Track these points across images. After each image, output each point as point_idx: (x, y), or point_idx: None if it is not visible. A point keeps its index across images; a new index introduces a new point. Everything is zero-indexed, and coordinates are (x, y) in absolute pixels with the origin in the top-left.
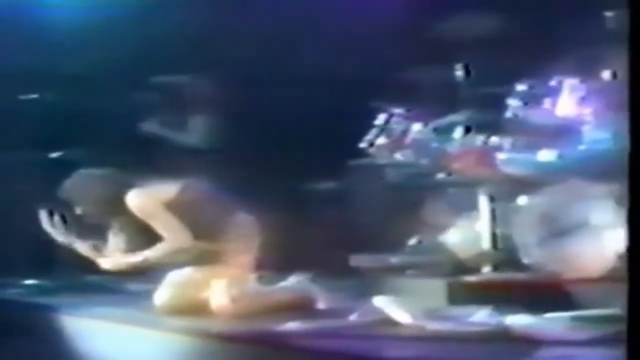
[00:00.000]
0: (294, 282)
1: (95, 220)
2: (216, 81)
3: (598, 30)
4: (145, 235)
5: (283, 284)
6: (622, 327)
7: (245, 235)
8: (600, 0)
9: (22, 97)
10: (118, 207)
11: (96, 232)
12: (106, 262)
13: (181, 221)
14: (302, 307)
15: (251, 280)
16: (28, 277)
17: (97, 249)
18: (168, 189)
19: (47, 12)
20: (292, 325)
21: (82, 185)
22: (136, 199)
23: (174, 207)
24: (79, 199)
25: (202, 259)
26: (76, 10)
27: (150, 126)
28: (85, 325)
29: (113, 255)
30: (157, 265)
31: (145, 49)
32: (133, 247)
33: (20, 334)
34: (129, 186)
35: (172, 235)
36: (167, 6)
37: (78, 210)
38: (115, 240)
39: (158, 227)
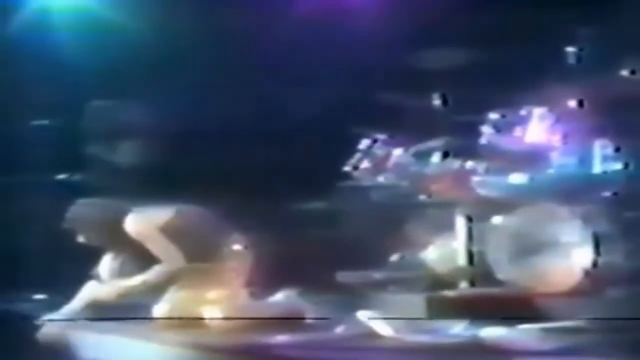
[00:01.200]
0: (283, 297)
1: (97, 245)
2: (210, 107)
3: (562, 64)
4: (142, 259)
5: (273, 298)
6: (587, 338)
7: (237, 254)
8: (564, 37)
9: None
10: (117, 233)
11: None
12: (106, 290)
13: (176, 243)
14: (291, 321)
15: (243, 296)
16: (37, 292)
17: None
18: (163, 213)
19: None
20: (281, 338)
21: (82, 214)
22: (133, 223)
23: (169, 230)
24: (81, 227)
25: (197, 276)
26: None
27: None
28: (89, 338)
29: (111, 281)
30: (155, 287)
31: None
32: (131, 271)
33: (28, 347)
34: (126, 212)
35: (167, 258)
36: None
37: (81, 238)
38: (113, 265)
39: (154, 249)
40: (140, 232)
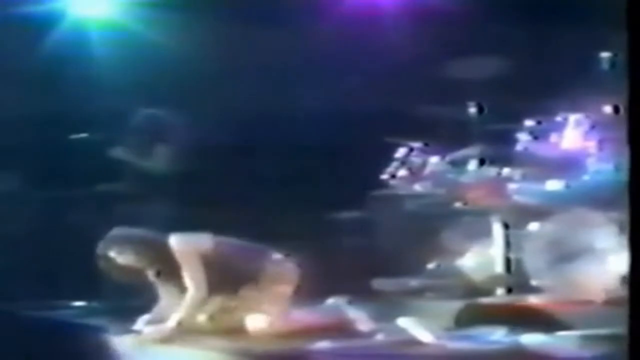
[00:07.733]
0: (329, 305)
1: (137, 269)
2: (248, 117)
3: (598, 70)
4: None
5: (319, 307)
6: (625, 346)
7: (280, 272)
8: (599, 43)
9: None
10: (156, 257)
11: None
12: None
13: (219, 272)
14: (336, 330)
15: (286, 304)
16: (77, 299)
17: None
18: (205, 241)
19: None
20: (321, 345)
21: (123, 238)
22: (179, 242)
23: (210, 259)
24: (120, 250)
25: (241, 285)
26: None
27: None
28: (131, 345)
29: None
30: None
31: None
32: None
33: (69, 354)
34: (166, 239)
35: (195, 284)
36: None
37: (120, 260)
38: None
39: (187, 272)
40: (183, 252)
